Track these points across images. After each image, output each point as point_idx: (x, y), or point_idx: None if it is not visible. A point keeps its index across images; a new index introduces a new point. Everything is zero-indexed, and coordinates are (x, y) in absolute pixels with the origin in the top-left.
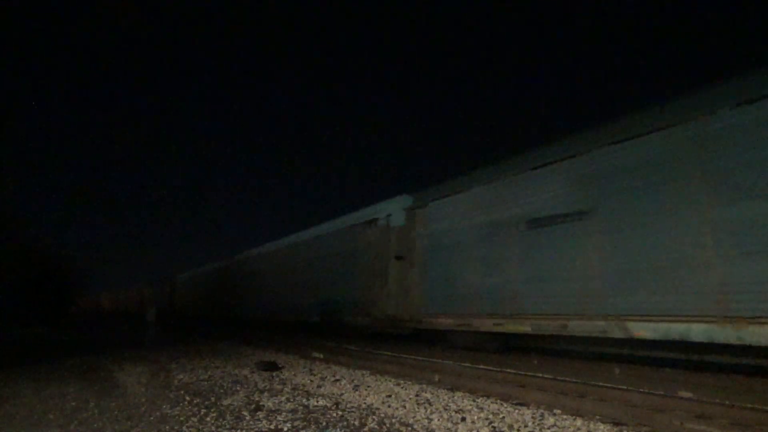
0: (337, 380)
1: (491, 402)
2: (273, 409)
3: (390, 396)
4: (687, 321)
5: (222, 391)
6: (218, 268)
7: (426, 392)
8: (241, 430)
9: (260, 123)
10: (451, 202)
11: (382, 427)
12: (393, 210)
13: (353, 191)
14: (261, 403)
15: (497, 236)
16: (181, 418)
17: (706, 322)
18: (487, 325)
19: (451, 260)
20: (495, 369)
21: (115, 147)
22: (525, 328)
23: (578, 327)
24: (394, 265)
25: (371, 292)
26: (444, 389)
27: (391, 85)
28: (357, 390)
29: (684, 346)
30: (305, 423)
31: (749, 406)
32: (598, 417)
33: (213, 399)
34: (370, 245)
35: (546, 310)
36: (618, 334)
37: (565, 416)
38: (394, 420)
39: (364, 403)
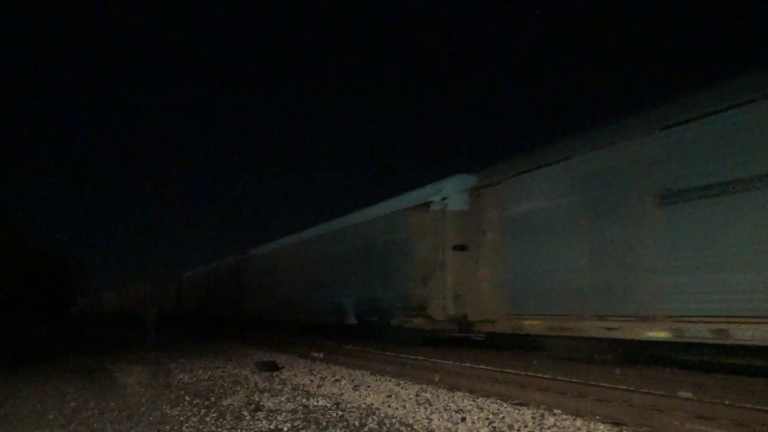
0: (337, 380)
1: (491, 402)
2: (273, 409)
3: (390, 396)
4: None
5: (222, 391)
6: (229, 265)
7: (426, 392)
8: (241, 430)
9: (272, 105)
10: (541, 177)
11: (382, 427)
12: (449, 192)
13: (374, 181)
14: (261, 404)
15: (613, 215)
16: (181, 418)
17: None
18: (596, 329)
19: (541, 248)
20: (495, 369)
21: (118, 145)
22: (659, 333)
23: (749, 333)
24: (453, 256)
25: (425, 289)
26: (444, 389)
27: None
28: (357, 390)
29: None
30: (305, 423)
31: (749, 406)
32: (598, 417)
33: (213, 399)
34: (421, 233)
35: (694, 309)
36: None
37: (565, 416)
38: (394, 420)
39: (364, 403)
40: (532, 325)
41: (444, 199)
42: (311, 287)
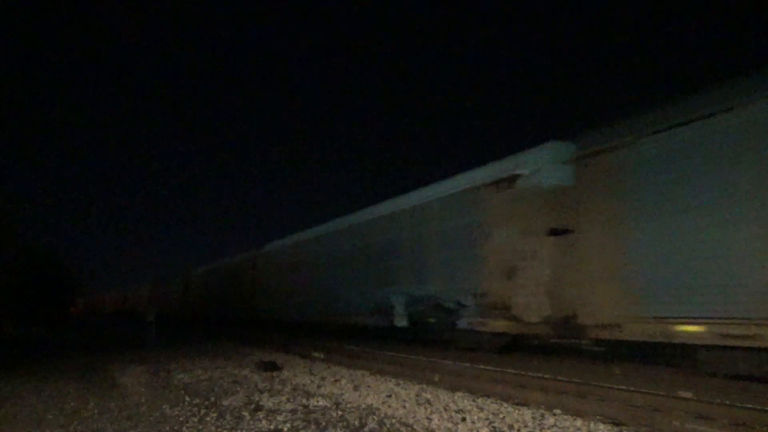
0: (337, 380)
1: (491, 402)
2: (273, 409)
3: (390, 396)
4: None
5: (222, 391)
6: (242, 261)
7: (426, 392)
8: (241, 430)
9: (284, 96)
10: (698, 133)
11: (382, 427)
12: (542, 163)
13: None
14: (261, 404)
15: None
16: (181, 418)
17: None
18: None
19: (702, 230)
20: (495, 369)
21: (119, 143)
22: None
23: None
24: (549, 242)
25: (508, 284)
26: (444, 389)
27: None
28: (357, 390)
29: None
30: (305, 423)
31: (749, 406)
32: (598, 417)
33: (213, 399)
34: (503, 215)
35: None
36: None
37: (565, 416)
38: (394, 420)
39: (364, 403)
40: (690, 332)
41: (535, 172)
42: (347, 284)
